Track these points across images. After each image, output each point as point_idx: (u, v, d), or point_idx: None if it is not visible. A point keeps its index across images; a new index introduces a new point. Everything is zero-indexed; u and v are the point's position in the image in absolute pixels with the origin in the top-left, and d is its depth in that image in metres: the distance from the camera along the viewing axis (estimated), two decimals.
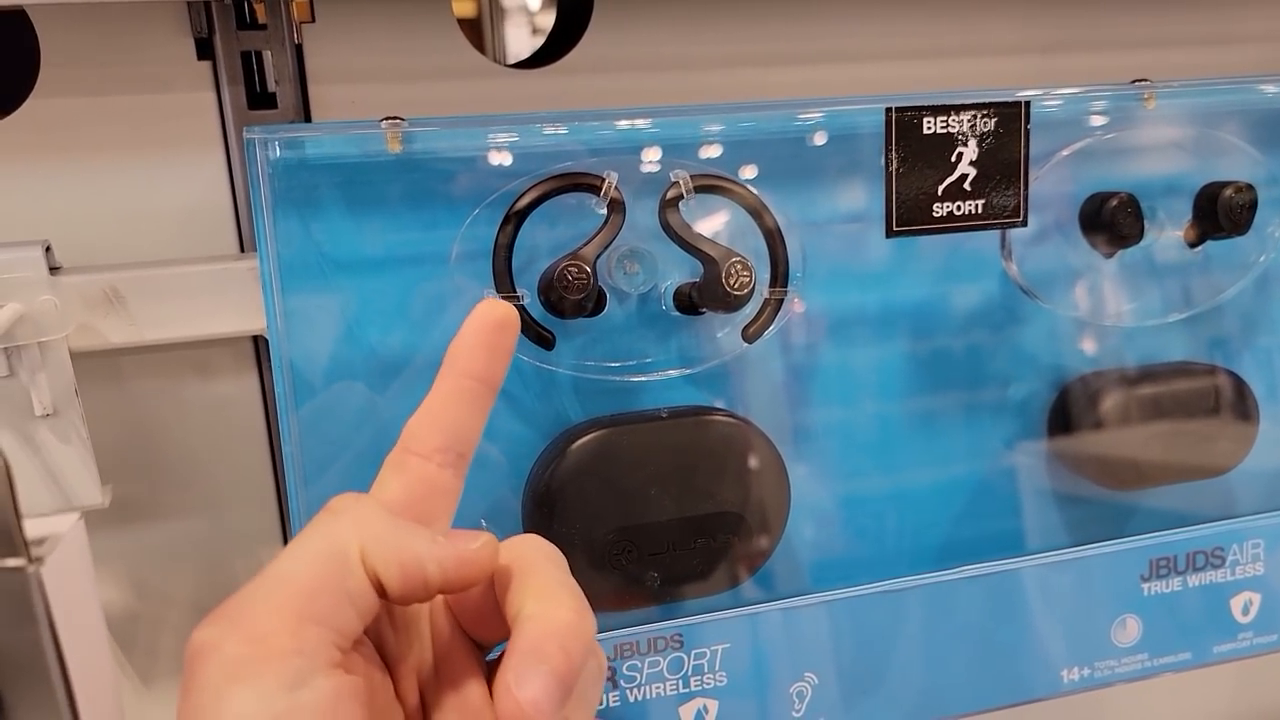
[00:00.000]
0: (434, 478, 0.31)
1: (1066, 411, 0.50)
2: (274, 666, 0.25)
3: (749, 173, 0.44)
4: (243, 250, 0.48)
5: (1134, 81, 0.47)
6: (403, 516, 0.29)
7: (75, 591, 0.29)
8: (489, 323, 0.32)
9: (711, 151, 0.43)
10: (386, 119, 0.40)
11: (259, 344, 0.49)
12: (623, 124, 0.42)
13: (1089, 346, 0.50)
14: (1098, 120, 0.47)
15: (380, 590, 0.28)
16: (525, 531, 0.42)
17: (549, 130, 0.41)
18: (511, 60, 0.52)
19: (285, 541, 0.41)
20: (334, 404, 0.41)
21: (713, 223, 0.43)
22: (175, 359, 0.49)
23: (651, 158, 0.42)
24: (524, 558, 0.29)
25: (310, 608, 0.26)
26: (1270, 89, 0.49)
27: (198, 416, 0.49)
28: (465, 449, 0.32)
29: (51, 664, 0.29)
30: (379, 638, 0.30)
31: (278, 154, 0.39)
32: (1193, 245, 0.49)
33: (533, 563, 0.29)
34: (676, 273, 0.44)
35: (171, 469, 0.50)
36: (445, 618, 0.31)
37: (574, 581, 0.29)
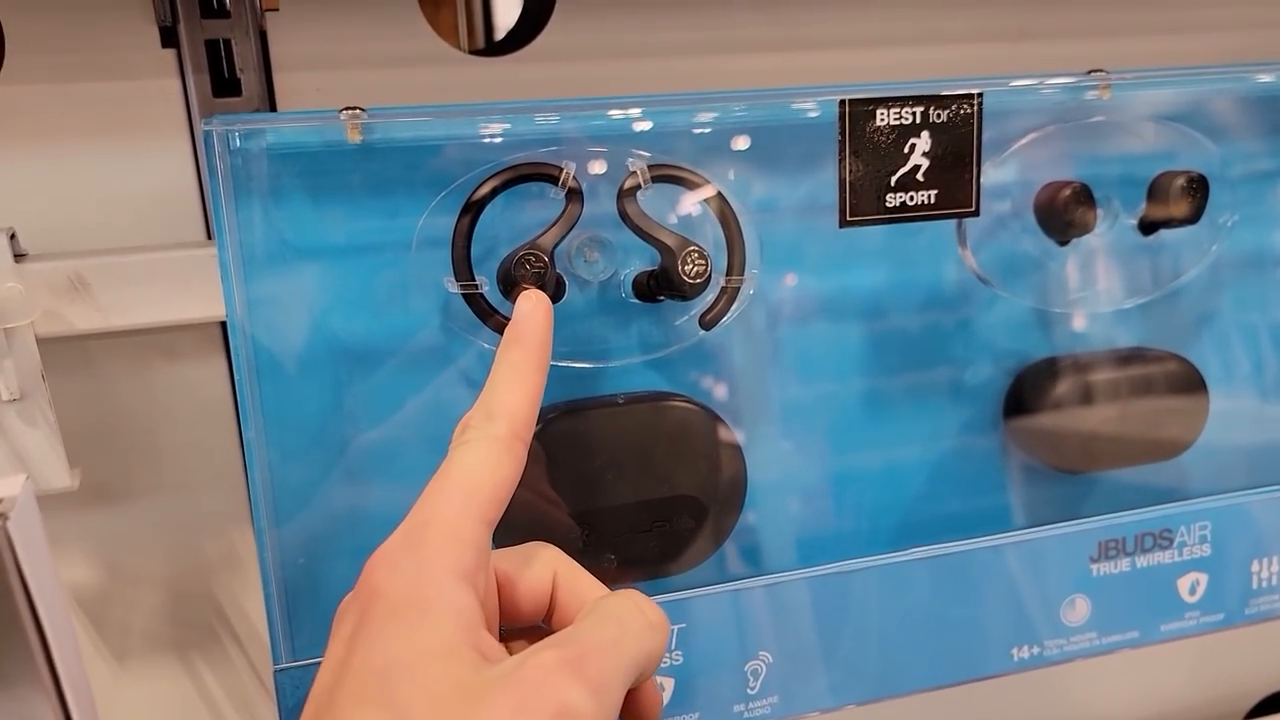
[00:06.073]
0: None
1: (1022, 396, 0.51)
2: None
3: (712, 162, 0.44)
4: (209, 237, 0.49)
5: (1089, 72, 0.48)
6: None
7: (34, 548, 0.30)
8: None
9: (673, 141, 0.44)
10: (346, 109, 0.40)
11: (225, 329, 0.50)
12: (584, 113, 0.42)
13: (1044, 333, 0.51)
14: (1053, 111, 0.48)
15: None
16: None
17: (510, 119, 0.42)
18: (476, 48, 0.52)
19: (253, 523, 0.42)
20: (296, 390, 0.42)
21: (677, 212, 0.44)
22: (143, 344, 0.49)
23: (609, 148, 0.43)
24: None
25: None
26: (1225, 80, 0.50)
27: (166, 400, 0.50)
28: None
29: (24, 616, 0.30)
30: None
31: (238, 144, 0.39)
32: (1146, 234, 0.50)
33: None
34: (638, 260, 0.45)
35: (141, 452, 0.50)
36: None
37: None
